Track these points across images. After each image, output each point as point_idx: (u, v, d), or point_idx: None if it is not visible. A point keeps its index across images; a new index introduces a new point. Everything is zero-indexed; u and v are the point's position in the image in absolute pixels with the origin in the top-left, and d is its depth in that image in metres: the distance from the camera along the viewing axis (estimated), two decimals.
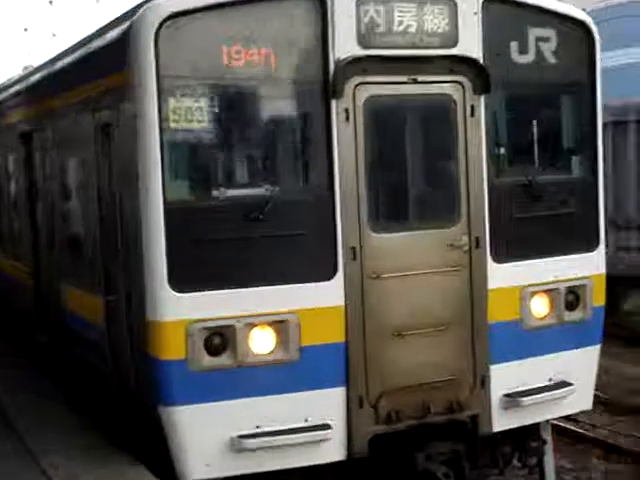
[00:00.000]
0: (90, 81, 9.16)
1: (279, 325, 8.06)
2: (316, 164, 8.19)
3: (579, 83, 9.33)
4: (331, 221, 8.19)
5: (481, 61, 8.60)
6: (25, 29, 56.74)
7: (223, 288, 7.91)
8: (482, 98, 8.66)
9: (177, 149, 7.98)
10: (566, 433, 12.77)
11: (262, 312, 7.99)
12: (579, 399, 9.45)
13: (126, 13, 8.69)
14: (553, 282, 9.12)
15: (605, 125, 10.20)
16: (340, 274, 8.22)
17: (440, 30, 8.45)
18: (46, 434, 9.36)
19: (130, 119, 7.94)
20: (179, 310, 7.82)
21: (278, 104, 8.39)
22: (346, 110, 8.18)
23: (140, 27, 7.79)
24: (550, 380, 9.18)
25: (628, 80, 24.31)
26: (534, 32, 8.96)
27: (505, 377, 8.87)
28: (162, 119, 7.72)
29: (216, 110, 8.00)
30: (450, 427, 8.75)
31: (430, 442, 8.66)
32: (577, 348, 9.33)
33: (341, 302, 8.24)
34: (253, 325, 8.00)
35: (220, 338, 7.91)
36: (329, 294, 8.21)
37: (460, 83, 8.59)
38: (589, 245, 9.37)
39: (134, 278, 8.16)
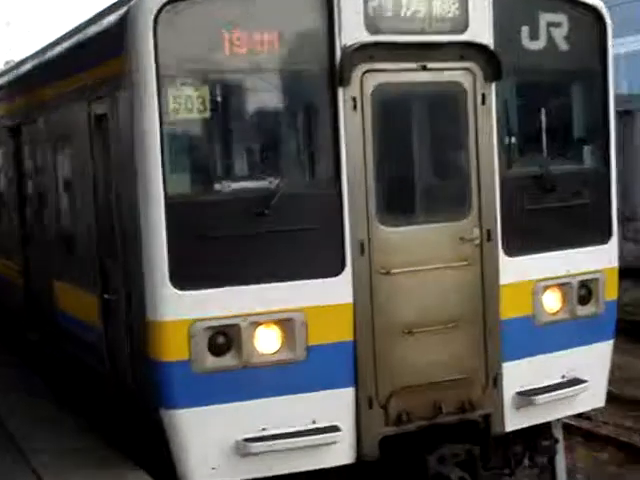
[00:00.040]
0: (85, 70, 8.87)
1: (285, 324, 7.82)
2: (323, 155, 7.95)
3: (591, 70, 9.12)
4: (338, 214, 7.94)
5: (492, 47, 8.37)
6: (7, 23, 56.28)
7: (226, 285, 7.66)
8: (493, 85, 8.43)
9: (177, 140, 7.74)
10: (576, 430, 12.52)
11: (267, 310, 7.75)
12: (592, 396, 9.27)
13: None
14: (565, 276, 8.92)
15: None
16: (348, 270, 7.98)
17: (450, 15, 8.23)
18: (37, 433, 9.25)
19: (128, 109, 7.66)
20: (181, 309, 7.56)
21: (283, 93, 8.15)
22: (353, 98, 7.94)
23: (138, 12, 7.51)
24: (563, 377, 8.98)
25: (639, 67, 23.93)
26: (545, 17, 8.75)
27: (518, 375, 8.66)
28: (161, 108, 7.45)
29: (218, 99, 7.73)
30: (461, 427, 8.51)
31: (441, 443, 8.42)
32: (590, 343, 9.14)
33: (349, 299, 8.00)
34: (258, 324, 7.76)
35: (224, 338, 7.67)
36: (337, 291, 7.97)
37: (470, 70, 8.35)
38: (602, 237, 9.19)
39: (133, 276, 7.89)
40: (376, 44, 7.97)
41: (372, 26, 7.96)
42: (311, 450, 7.92)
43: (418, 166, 8.47)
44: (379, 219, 8.08)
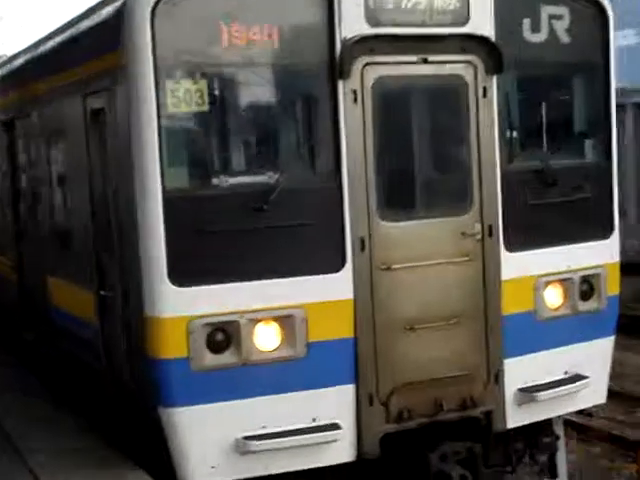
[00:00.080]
0: (80, 63, 8.73)
1: (285, 320, 7.72)
2: (323, 149, 7.84)
3: (592, 63, 9.04)
4: (339, 209, 7.84)
5: (493, 40, 8.27)
6: (0, 17, 56.04)
7: (225, 282, 7.55)
8: (494, 78, 8.33)
9: (175, 134, 7.61)
10: (576, 426, 12.45)
11: (267, 307, 7.65)
12: (593, 393, 9.19)
13: None
14: (567, 271, 8.84)
15: None
16: (349, 265, 7.88)
17: (451, 7, 8.13)
18: (34, 433, 9.18)
19: (125, 102, 7.54)
20: (179, 305, 7.45)
21: (282, 86, 8.03)
22: (354, 91, 7.83)
23: (135, 4, 7.39)
24: (566, 373, 8.90)
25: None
26: (546, 10, 8.66)
27: (519, 371, 8.58)
28: (159, 102, 7.34)
29: (216, 92, 7.63)
30: (462, 424, 8.43)
31: (442, 441, 8.34)
32: (592, 339, 9.06)
33: (350, 295, 7.89)
34: (258, 320, 7.65)
35: (223, 335, 7.56)
36: (337, 287, 7.87)
37: (472, 63, 8.25)
38: (603, 232, 9.11)
39: (130, 272, 7.76)
40: (377, 36, 7.86)
41: (372, 18, 7.86)
42: (311, 448, 7.82)
43: (419, 160, 8.37)
44: (379, 214, 7.98)
